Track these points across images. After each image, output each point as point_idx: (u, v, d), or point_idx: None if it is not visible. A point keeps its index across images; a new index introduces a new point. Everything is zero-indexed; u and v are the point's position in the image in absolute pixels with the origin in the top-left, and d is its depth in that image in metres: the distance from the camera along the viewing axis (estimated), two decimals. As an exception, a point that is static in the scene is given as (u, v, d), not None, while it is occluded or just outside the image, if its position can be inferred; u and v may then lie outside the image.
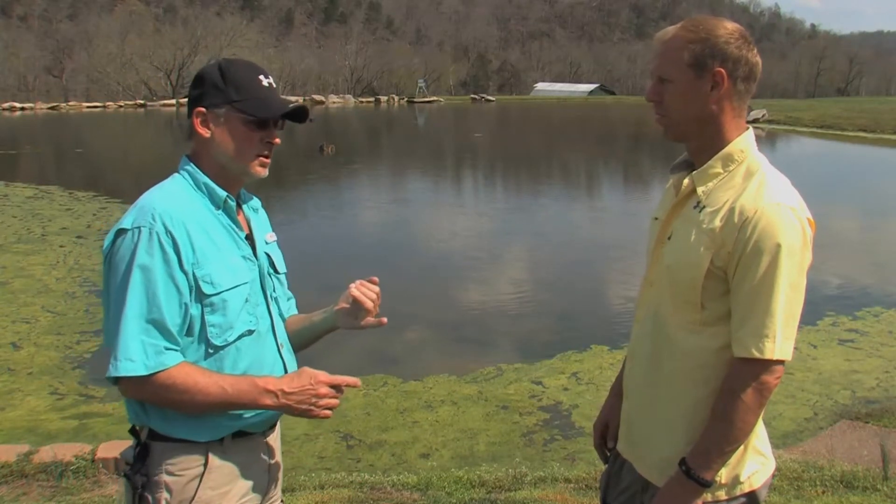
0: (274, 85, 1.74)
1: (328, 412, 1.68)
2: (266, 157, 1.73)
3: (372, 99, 58.88)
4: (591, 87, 76.67)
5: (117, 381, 1.58)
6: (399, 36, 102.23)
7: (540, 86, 79.49)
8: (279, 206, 13.71)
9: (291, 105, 1.74)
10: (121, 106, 47.51)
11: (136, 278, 1.55)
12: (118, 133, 32.72)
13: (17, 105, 45.72)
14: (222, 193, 1.70)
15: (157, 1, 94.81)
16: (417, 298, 7.73)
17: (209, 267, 1.62)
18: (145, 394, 1.60)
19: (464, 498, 3.60)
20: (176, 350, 1.60)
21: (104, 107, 47.22)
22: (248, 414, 1.69)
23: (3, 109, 44.17)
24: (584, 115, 43.61)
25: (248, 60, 1.81)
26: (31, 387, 5.47)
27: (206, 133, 1.69)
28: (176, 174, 1.73)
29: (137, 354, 1.55)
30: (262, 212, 1.89)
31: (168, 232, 1.58)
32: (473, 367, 5.90)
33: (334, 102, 54.54)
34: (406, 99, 59.01)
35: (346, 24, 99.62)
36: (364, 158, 22.56)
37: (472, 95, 63.71)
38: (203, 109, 1.68)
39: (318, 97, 54.14)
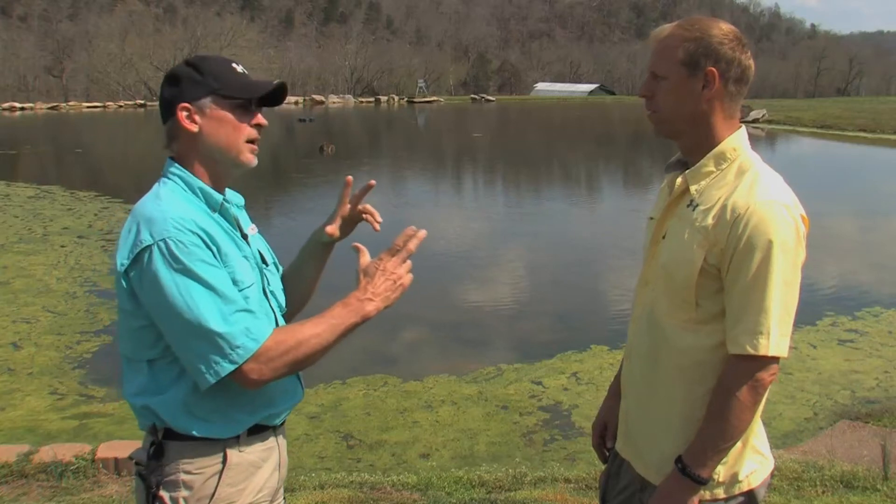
0: (247, 72, 1.74)
1: (410, 276, 1.69)
2: (254, 142, 1.72)
3: (372, 99, 58.92)
4: (591, 87, 76.69)
5: (237, 373, 1.54)
6: (399, 36, 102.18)
7: (540, 86, 79.51)
8: (280, 206, 13.73)
9: (274, 83, 1.72)
10: (121, 106, 47.59)
11: (190, 283, 1.53)
12: (118, 133, 32.72)
13: (17, 105, 45.79)
14: (218, 196, 1.69)
15: (157, 1, 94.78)
16: (417, 298, 7.72)
17: (231, 265, 1.62)
18: (268, 369, 1.56)
19: (464, 498, 3.60)
20: (263, 320, 1.61)
21: (104, 107, 47.27)
22: (265, 408, 1.69)
23: (3, 109, 44.23)
24: (584, 115, 43.61)
25: (216, 54, 1.81)
26: (32, 387, 5.47)
27: (193, 128, 1.66)
28: (165, 179, 1.68)
29: (239, 339, 1.53)
30: (243, 209, 1.88)
31: (193, 233, 1.56)
32: (473, 367, 5.90)
33: (334, 102, 54.57)
34: (406, 99, 59.04)
35: (346, 24, 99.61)
36: (364, 158, 22.56)
37: (472, 95, 63.74)
38: (187, 104, 1.65)
39: (318, 97, 54.18)
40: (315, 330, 1.60)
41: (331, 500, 3.59)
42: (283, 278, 1.94)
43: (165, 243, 1.54)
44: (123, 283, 1.59)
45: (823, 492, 3.59)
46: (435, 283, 8.49)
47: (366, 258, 1.70)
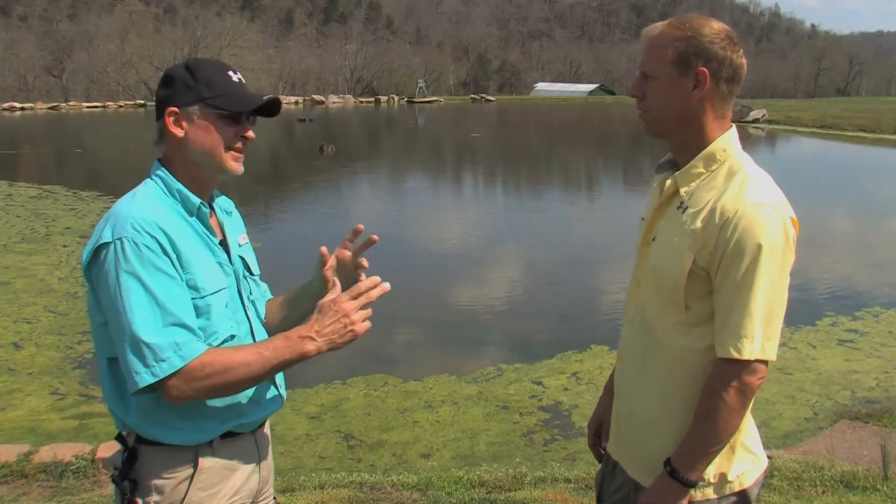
0: (243, 80, 1.73)
1: (366, 324, 1.64)
2: (240, 151, 1.71)
3: (372, 99, 58.95)
4: (591, 87, 76.68)
5: (160, 385, 1.53)
6: (399, 36, 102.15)
7: (540, 86, 79.50)
8: (279, 205, 13.74)
9: (265, 98, 1.71)
10: (121, 106, 47.62)
11: (133, 287, 1.52)
12: (119, 133, 32.71)
13: (17, 105, 45.82)
14: (196, 200, 1.68)
15: (157, 1, 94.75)
16: (417, 299, 7.73)
17: (192, 271, 1.61)
18: (190, 388, 1.54)
19: (464, 498, 3.60)
20: (199, 338, 1.58)
21: (104, 107, 47.31)
22: (235, 418, 1.68)
23: (3, 109, 44.25)
24: (584, 115, 43.61)
25: (215, 59, 1.82)
26: (32, 387, 5.48)
27: (179, 133, 1.66)
28: (148, 179, 1.69)
29: (166, 352, 1.52)
30: (235, 213, 1.86)
31: (152, 236, 1.56)
32: (473, 367, 5.90)
33: (334, 102, 54.58)
34: (406, 99, 59.06)
35: (346, 24, 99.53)
36: (364, 158, 22.56)
37: (472, 95, 63.77)
38: (175, 109, 1.65)
39: (318, 97, 54.21)
40: (246, 359, 1.57)
41: (331, 500, 3.59)
42: (275, 303, 1.93)
43: (121, 242, 1.54)
44: (86, 279, 1.62)
45: (823, 492, 3.59)
46: (435, 283, 8.50)
47: (330, 296, 1.65)
